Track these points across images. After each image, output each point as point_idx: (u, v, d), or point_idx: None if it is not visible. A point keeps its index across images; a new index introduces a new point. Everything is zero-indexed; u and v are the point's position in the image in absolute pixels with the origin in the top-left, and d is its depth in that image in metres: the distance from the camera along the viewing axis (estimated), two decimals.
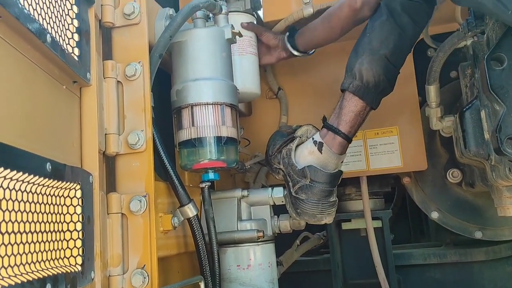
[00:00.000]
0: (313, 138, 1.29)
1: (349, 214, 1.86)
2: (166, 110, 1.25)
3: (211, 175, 1.19)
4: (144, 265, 1.00)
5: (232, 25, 1.26)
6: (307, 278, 2.00)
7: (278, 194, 1.34)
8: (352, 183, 1.83)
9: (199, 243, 1.15)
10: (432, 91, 1.52)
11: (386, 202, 1.92)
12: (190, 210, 1.13)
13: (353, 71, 1.26)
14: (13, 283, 0.63)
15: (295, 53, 1.53)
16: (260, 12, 1.63)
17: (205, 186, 1.20)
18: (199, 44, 1.19)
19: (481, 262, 1.72)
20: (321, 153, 1.26)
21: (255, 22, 1.57)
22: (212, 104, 1.17)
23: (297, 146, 1.33)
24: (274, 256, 1.34)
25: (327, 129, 1.29)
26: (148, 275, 0.99)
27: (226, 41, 1.24)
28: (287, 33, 1.54)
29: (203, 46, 1.19)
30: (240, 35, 1.31)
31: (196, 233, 1.14)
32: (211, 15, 1.30)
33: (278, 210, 1.40)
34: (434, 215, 1.73)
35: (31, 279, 0.67)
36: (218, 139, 1.17)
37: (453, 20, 1.64)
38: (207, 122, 1.16)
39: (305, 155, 1.29)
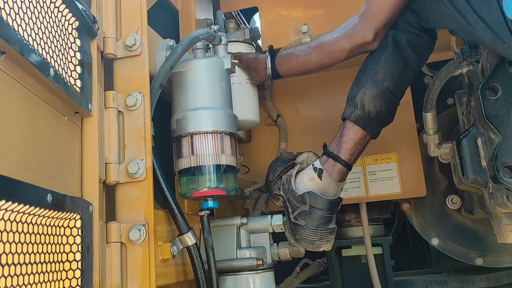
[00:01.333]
0: (313, 165, 1.31)
1: (349, 240, 1.85)
2: (166, 138, 1.26)
3: (210, 203, 1.19)
4: None
5: (231, 55, 1.28)
6: None
7: (277, 222, 1.34)
8: (352, 209, 1.83)
9: (198, 271, 1.15)
10: (429, 118, 1.54)
11: (387, 228, 1.92)
12: (189, 239, 1.13)
13: (355, 101, 1.28)
14: None
15: (271, 82, 1.55)
16: (259, 42, 1.66)
17: (205, 214, 1.21)
18: (199, 74, 1.22)
19: None
20: (321, 179, 1.27)
21: (254, 51, 1.60)
22: (211, 132, 1.18)
23: (298, 172, 1.34)
24: (274, 285, 1.34)
25: (327, 156, 1.30)
26: None
27: (226, 71, 1.26)
28: (269, 56, 1.50)
29: (203, 76, 1.22)
30: (239, 65, 1.33)
31: (195, 261, 1.14)
32: (211, 45, 1.33)
33: (277, 237, 1.40)
34: (435, 241, 1.73)
35: None
36: (218, 167, 1.18)
37: (449, 49, 1.68)
38: (206, 151, 1.18)
39: (305, 181, 1.30)
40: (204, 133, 1.18)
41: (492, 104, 1.02)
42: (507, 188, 1.02)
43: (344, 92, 1.80)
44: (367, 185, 1.70)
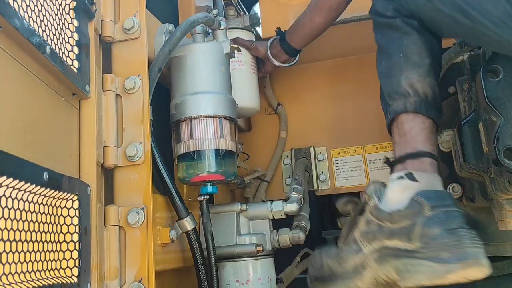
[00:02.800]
0: (395, 178, 0.99)
1: None
2: (165, 125, 1.26)
3: (209, 188, 1.18)
4: (142, 278, 0.99)
5: (231, 40, 1.27)
6: None
7: (277, 208, 1.33)
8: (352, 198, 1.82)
9: (197, 256, 1.14)
10: None
11: None
12: (189, 223, 1.12)
13: (402, 90, 1.05)
14: None
15: (276, 63, 1.53)
16: (259, 29, 1.65)
17: (204, 199, 1.20)
18: (198, 58, 1.21)
19: (484, 279, 1.70)
20: (418, 181, 0.97)
21: (254, 39, 1.59)
22: (210, 117, 1.18)
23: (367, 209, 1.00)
24: (274, 271, 1.33)
25: (401, 162, 1.02)
26: None
27: (225, 55, 1.25)
28: (271, 39, 1.52)
29: (202, 60, 1.21)
30: (239, 50, 1.32)
31: (194, 246, 1.13)
32: (210, 30, 1.32)
33: (277, 224, 1.39)
34: None
35: None
36: (217, 152, 1.17)
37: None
38: (205, 135, 1.17)
39: (397, 197, 0.96)
40: (203, 117, 1.17)
41: (494, 87, 1.01)
42: (508, 171, 1.01)
43: (346, 80, 1.81)
44: (368, 174, 1.69)
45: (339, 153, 1.73)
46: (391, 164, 1.04)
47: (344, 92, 1.80)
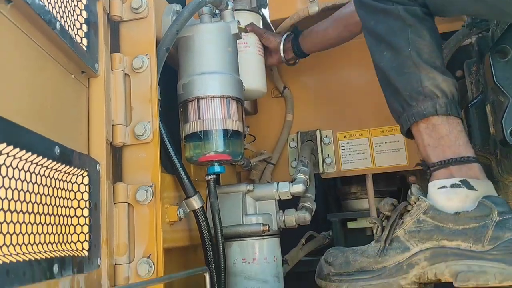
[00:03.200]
0: (449, 185, 0.97)
1: (354, 213, 1.86)
2: (173, 106, 1.26)
3: (216, 168, 1.19)
4: (150, 254, 1.01)
5: (238, 21, 1.27)
6: (312, 277, 2.00)
7: (283, 189, 1.34)
8: (358, 181, 1.84)
9: (205, 235, 1.16)
10: None
11: None
12: (196, 202, 1.14)
13: (425, 92, 1.02)
14: (21, 260, 0.64)
15: (283, 58, 1.55)
16: (266, 11, 1.65)
17: (211, 178, 1.21)
18: (205, 38, 1.21)
19: None
20: (476, 189, 0.96)
21: (260, 21, 1.59)
22: (218, 97, 1.18)
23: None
24: (279, 251, 1.35)
25: (444, 167, 0.99)
26: (154, 264, 1.00)
27: (232, 36, 1.25)
28: (285, 36, 1.53)
29: (209, 41, 1.21)
30: (246, 31, 1.32)
31: (202, 224, 1.15)
32: (217, 11, 1.32)
33: (283, 205, 1.40)
34: None
35: (38, 258, 0.68)
36: (224, 132, 1.18)
37: (458, 19, 1.65)
38: (213, 115, 1.17)
39: (457, 205, 0.95)
40: (211, 97, 1.18)
41: (502, 67, 1.01)
42: None
43: (352, 64, 1.80)
44: (374, 157, 1.69)
45: (345, 136, 1.73)
46: (428, 167, 1.02)
47: (350, 76, 1.79)
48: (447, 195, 0.96)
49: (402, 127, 1.06)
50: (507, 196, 1.32)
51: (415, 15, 1.07)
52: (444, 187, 0.97)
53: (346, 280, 0.98)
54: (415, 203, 0.98)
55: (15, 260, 0.62)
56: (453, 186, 0.97)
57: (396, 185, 1.91)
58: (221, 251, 1.19)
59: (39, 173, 0.73)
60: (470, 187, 0.96)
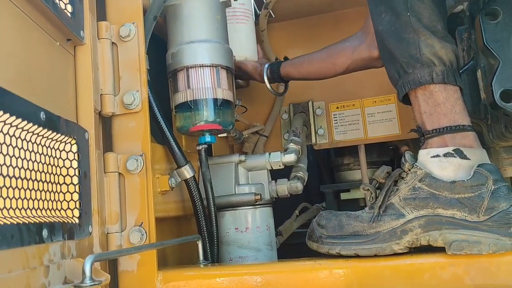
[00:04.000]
0: (441, 154, 0.96)
1: (347, 184, 1.87)
2: (163, 77, 1.25)
3: (207, 138, 1.19)
4: (142, 222, 1.01)
5: None
6: (306, 249, 2.02)
7: (275, 159, 1.34)
8: (351, 152, 1.84)
9: (197, 204, 1.16)
10: None
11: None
12: (187, 171, 1.14)
13: (423, 59, 0.99)
14: (8, 223, 0.64)
15: (268, 86, 1.46)
16: None
17: (202, 148, 1.21)
18: (194, 6, 1.19)
19: None
20: (469, 158, 0.94)
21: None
22: (207, 66, 1.17)
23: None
24: (272, 220, 1.35)
25: (437, 135, 0.98)
26: (146, 232, 1.00)
27: (221, 4, 1.24)
28: (269, 64, 1.46)
29: (198, 9, 1.19)
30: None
31: (194, 193, 1.15)
32: None
33: (275, 175, 1.40)
34: None
35: (27, 222, 0.68)
36: (214, 101, 1.17)
37: None
38: (203, 84, 1.16)
39: (450, 175, 0.94)
40: (200, 66, 1.17)
41: (493, 28, 1.00)
42: (505, 113, 1.01)
43: (345, 33, 1.78)
44: (366, 127, 1.69)
45: (337, 107, 1.73)
46: (422, 134, 1.01)
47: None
48: (440, 165, 0.96)
49: (398, 93, 1.05)
50: (498, 162, 1.32)
51: None
52: (437, 155, 0.96)
53: (339, 243, 0.99)
54: (410, 170, 0.98)
55: (2, 223, 0.62)
56: (446, 155, 0.96)
57: (389, 156, 1.92)
58: (214, 220, 1.19)
59: (24, 138, 0.72)
60: (463, 156, 0.95)
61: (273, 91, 1.51)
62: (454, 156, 0.95)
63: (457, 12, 1.58)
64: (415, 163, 0.97)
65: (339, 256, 0.98)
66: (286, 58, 1.50)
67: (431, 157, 0.96)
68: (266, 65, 1.45)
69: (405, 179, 0.97)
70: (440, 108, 0.98)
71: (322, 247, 1.01)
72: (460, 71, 1.29)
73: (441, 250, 0.92)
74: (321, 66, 1.37)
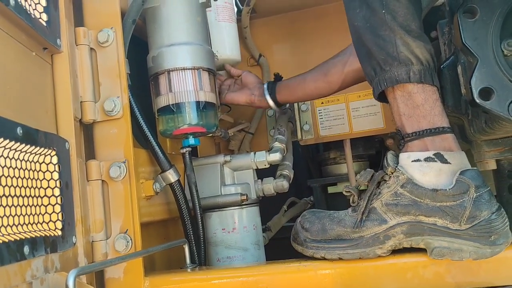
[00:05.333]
0: (422, 159, 0.95)
1: (334, 177, 1.88)
2: (145, 79, 1.24)
3: (191, 141, 1.19)
4: (127, 229, 1.01)
5: None
6: None
7: (260, 158, 1.34)
8: (337, 147, 1.85)
9: (182, 207, 1.16)
10: None
11: (373, 166, 1.94)
12: (172, 175, 1.14)
13: (400, 57, 0.97)
14: None
15: (271, 103, 1.42)
16: None
17: (186, 151, 1.21)
18: (173, 8, 1.18)
19: None
20: (450, 162, 0.94)
21: None
22: (189, 69, 1.16)
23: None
24: (259, 219, 1.36)
25: (417, 138, 0.97)
26: (131, 239, 1.00)
27: (201, 5, 1.22)
28: (267, 82, 1.45)
29: (177, 11, 1.18)
30: None
31: (179, 197, 1.15)
32: None
33: (261, 174, 1.41)
34: None
35: (7, 241, 0.68)
36: (197, 104, 1.17)
37: None
38: (184, 87, 1.16)
39: (432, 180, 0.94)
40: (181, 69, 1.16)
41: (470, 26, 1.00)
42: (484, 111, 1.01)
43: (328, 29, 1.78)
44: (351, 122, 1.70)
45: (322, 103, 1.73)
46: (402, 137, 1.00)
47: (326, 40, 1.78)
48: (421, 169, 0.95)
49: (374, 91, 1.05)
50: (480, 155, 1.33)
51: None
52: (418, 160, 0.95)
53: (323, 247, 1.00)
54: (392, 173, 0.98)
55: None
56: (427, 160, 0.95)
57: (375, 149, 1.93)
58: (200, 222, 1.20)
59: (2, 155, 0.71)
60: (444, 161, 0.94)
61: (278, 109, 1.50)
62: (435, 161, 0.94)
63: (438, 5, 1.59)
64: (397, 167, 0.97)
65: (324, 259, 0.99)
66: (277, 75, 1.49)
67: (412, 161, 0.96)
68: (266, 93, 1.42)
69: (387, 182, 0.97)
70: (419, 110, 0.97)
71: (307, 251, 1.02)
72: (441, 66, 1.30)
73: (423, 250, 0.93)
74: (316, 87, 1.37)
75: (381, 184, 0.98)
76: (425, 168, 0.95)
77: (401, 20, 0.98)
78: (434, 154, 0.95)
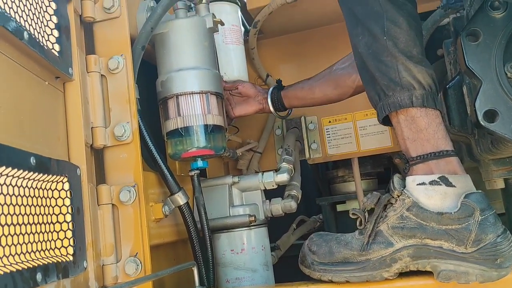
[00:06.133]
0: (427, 182, 0.95)
1: (343, 196, 1.88)
2: (155, 102, 1.27)
3: (199, 163, 1.21)
4: (137, 253, 1.03)
5: (213, 14, 1.27)
6: None
7: (268, 179, 1.35)
8: (345, 165, 1.85)
9: (191, 229, 1.18)
10: None
11: (382, 183, 1.94)
12: (181, 198, 1.15)
13: (402, 83, 0.98)
14: (2, 272, 0.65)
15: (273, 111, 1.47)
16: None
17: (194, 174, 1.22)
18: (181, 34, 1.21)
19: None
20: (455, 185, 0.94)
21: (239, 11, 1.58)
22: (197, 93, 1.19)
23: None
24: (268, 240, 1.37)
25: (423, 161, 0.97)
26: (141, 262, 1.02)
27: (208, 30, 1.25)
28: (272, 88, 1.49)
29: (185, 36, 1.21)
30: (222, 24, 1.32)
31: (188, 220, 1.16)
32: (192, 5, 1.31)
33: (269, 194, 1.42)
34: None
35: (20, 269, 0.70)
36: (205, 128, 1.19)
37: None
38: (193, 111, 1.18)
39: (437, 204, 0.95)
40: (190, 93, 1.18)
41: (474, 50, 1.01)
42: (489, 132, 1.02)
43: (335, 48, 1.80)
44: (359, 140, 1.71)
45: (329, 121, 1.75)
46: (407, 161, 1.00)
47: (332, 60, 1.79)
48: (426, 193, 0.96)
49: (378, 115, 1.06)
50: (488, 174, 1.33)
51: (394, 1, 1.01)
52: (423, 183, 0.96)
53: (330, 270, 1.01)
54: (398, 197, 0.99)
55: None
56: (432, 183, 0.96)
57: (384, 166, 1.93)
58: (209, 244, 1.21)
59: (16, 184, 0.74)
60: (449, 184, 0.95)
61: (279, 116, 1.54)
62: (440, 184, 0.95)
63: (444, 24, 1.61)
64: (404, 190, 0.98)
65: (331, 282, 1.00)
66: (279, 82, 1.51)
67: (417, 184, 0.97)
68: (269, 99, 1.47)
69: (393, 205, 0.98)
70: (423, 134, 0.98)
71: (314, 274, 1.02)
72: (447, 86, 1.31)
73: (430, 273, 0.93)
74: (325, 97, 1.41)
75: (388, 207, 0.99)
76: (430, 192, 0.95)
77: (403, 46, 1.00)
78: (439, 178, 0.95)
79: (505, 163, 1.30)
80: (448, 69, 1.47)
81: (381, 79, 1.01)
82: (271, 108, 1.47)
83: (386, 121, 1.06)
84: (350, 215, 1.05)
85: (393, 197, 0.99)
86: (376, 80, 1.03)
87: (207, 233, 1.21)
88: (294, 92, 1.46)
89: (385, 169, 1.96)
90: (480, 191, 0.98)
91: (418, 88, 0.98)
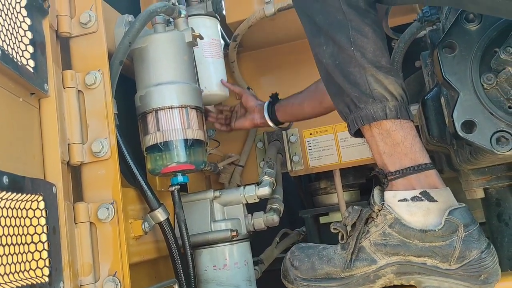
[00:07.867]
0: (409, 198, 0.94)
1: (326, 208, 1.88)
2: (134, 116, 1.25)
3: (180, 178, 1.19)
4: (116, 272, 1.00)
5: (192, 28, 1.26)
6: None
7: (250, 193, 1.34)
8: (327, 177, 1.86)
9: (172, 246, 1.15)
10: None
11: (364, 194, 1.95)
12: (161, 214, 1.13)
13: (374, 94, 0.95)
14: None
15: (272, 125, 1.50)
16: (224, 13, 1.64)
17: (175, 189, 1.20)
18: (159, 49, 1.20)
19: None
20: (437, 200, 0.94)
21: (218, 25, 1.58)
22: (176, 107, 1.18)
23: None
24: (250, 255, 1.35)
25: (402, 176, 0.96)
26: (120, 282, 0.99)
27: (187, 44, 1.25)
28: (267, 101, 1.51)
29: (164, 51, 1.20)
30: (201, 38, 1.32)
31: (168, 236, 1.14)
32: (171, 19, 1.31)
33: (252, 208, 1.41)
34: None
35: None
36: (185, 142, 1.17)
37: (413, 11, 1.67)
38: (172, 126, 1.17)
39: (420, 220, 0.93)
40: (169, 108, 1.17)
41: (450, 61, 1.03)
42: (467, 143, 1.03)
43: (312, 60, 1.80)
44: (340, 152, 1.71)
45: (310, 134, 1.75)
46: (385, 175, 0.98)
47: (312, 72, 1.79)
48: (409, 209, 0.94)
49: (349, 128, 1.03)
50: (467, 184, 1.35)
51: (356, 8, 0.97)
52: (405, 199, 0.94)
53: (313, 286, 1.00)
54: (379, 211, 0.97)
55: None
56: (414, 199, 0.94)
57: (365, 177, 1.94)
58: (190, 261, 1.19)
59: None
60: (431, 199, 0.94)
61: (282, 128, 1.55)
62: (422, 200, 0.93)
63: (421, 36, 1.63)
64: (385, 205, 0.97)
65: None
66: (273, 96, 1.53)
67: (398, 200, 0.96)
68: (266, 113, 1.49)
69: (375, 220, 0.97)
70: (400, 148, 0.96)
71: None
72: (425, 97, 1.32)
73: (414, 286, 0.93)
74: (313, 112, 1.43)
75: (369, 222, 0.99)
76: (412, 208, 0.94)
77: (371, 56, 0.96)
78: (421, 193, 0.94)
79: (484, 173, 1.31)
80: (426, 81, 1.49)
81: (351, 91, 0.97)
82: (271, 124, 1.49)
83: (358, 133, 1.04)
84: (332, 230, 1.05)
85: (374, 212, 0.98)
86: (345, 91, 0.99)
87: (188, 249, 1.19)
88: (285, 109, 1.48)
89: (367, 180, 1.96)
90: (463, 205, 0.97)
91: (390, 100, 0.96)
